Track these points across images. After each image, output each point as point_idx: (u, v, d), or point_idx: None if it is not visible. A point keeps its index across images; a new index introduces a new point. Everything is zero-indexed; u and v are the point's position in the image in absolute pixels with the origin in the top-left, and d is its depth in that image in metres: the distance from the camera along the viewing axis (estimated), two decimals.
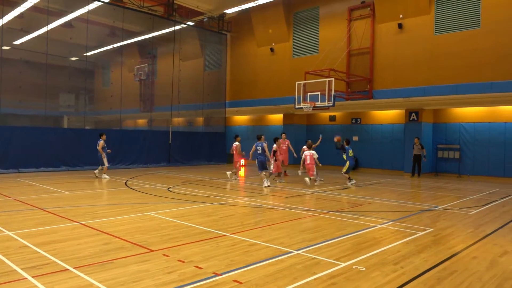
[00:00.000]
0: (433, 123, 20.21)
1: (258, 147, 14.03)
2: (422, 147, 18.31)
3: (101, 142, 15.63)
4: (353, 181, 14.78)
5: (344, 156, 14.91)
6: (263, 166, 14.04)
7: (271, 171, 15.07)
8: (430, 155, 19.84)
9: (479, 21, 16.59)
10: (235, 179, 16.32)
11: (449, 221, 8.49)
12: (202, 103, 25.58)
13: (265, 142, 14.29)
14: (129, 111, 26.22)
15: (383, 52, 19.32)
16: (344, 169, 14.75)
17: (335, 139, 15.38)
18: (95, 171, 16.15)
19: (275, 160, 15.40)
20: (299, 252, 5.88)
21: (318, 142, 16.05)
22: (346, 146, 14.96)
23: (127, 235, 6.68)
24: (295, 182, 15.68)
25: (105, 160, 15.71)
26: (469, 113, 19.08)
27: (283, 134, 17.53)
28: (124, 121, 25.75)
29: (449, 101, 17.86)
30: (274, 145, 15.24)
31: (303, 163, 14.59)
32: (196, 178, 16.48)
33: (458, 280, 4.85)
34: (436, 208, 10.07)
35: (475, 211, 9.73)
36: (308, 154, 14.34)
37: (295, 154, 17.21)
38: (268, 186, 13.67)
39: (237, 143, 16.38)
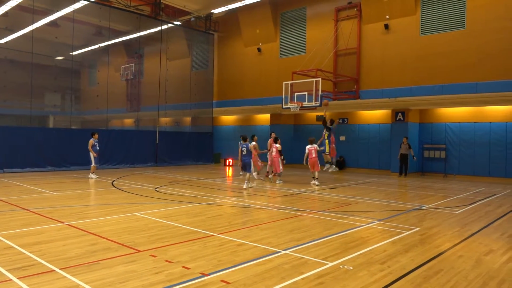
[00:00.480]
0: (419, 123, 20.44)
1: (243, 148, 13.95)
2: (410, 147, 18.45)
3: (90, 141, 15.53)
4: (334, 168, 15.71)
5: (326, 135, 15.80)
6: (245, 168, 13.84)
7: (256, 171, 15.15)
8: (416, 154, 20.04)
9: (464, 22, 16.84)
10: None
11: (435, 220, 8.60)
12: (189, 103, 25.48)
13: (251, 144, 14.18)
14: (115, 111, 25.97)
15: (369, 53, 19.48)
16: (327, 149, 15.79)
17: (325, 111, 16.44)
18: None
19: (283, 159, 15.60)
20: (287, 252, 5.89)
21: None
22: (331, 126, 15.99)
23: (114, 236, 6.62)
24: (284, 182, 15.71)
25: (92, 159, 15.57)
26: (454, 113, 19.35)
27: (272, 134, 17.21)
28: (111, 121, 25.53)
29: (435, 101, 18.09)
30: (278, 145, 15.39)
31: (307, 158, 15.03)
32: (183, 178, 16.41)
33: (444, 278, 4.92)
34: (423, 208, 10.20)
35: (460, 211, 9.88)
36: (312, 148, 14.94)
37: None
38: (250, 187, 13.58)
39: (254, 143, 15.92)
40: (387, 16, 18.70)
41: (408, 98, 18.12)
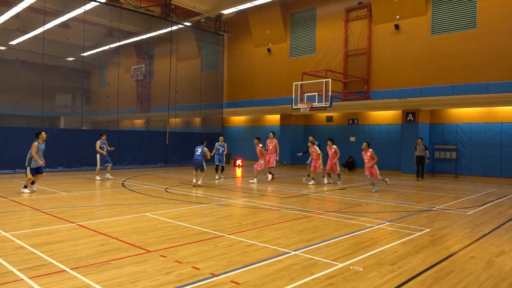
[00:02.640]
0: (430, 124, 20.27)
1: (198, 149, 14.17)
2: (426, 148, 18.05)
3: (97, 142, 15.47)
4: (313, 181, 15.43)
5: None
6: (197, 167, 14.07)
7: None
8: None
9: (475, 22, 16.67)
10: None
11: (446, 221, 8.51)
12: (199, 104, 25.56)
13: (206, 147, 14.35)
14: (126, 111, 26.21)
15: (380, 53, 19.36)
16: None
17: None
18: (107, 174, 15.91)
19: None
20: (297, 252, 5.88)
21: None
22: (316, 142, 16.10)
23: (124, 236, 6.66)
24: (292, 183, 15.68)
25: (98, 161, 15.46)
26: (465, 113, 19.15)
27: (270, 133, 16.98)
28: (121, 122, 25.73)
29: (446, 101, 17.92)
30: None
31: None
32: (193, 179, 16.43)
33: (455, 280, 4.87)
34: (433, 209, 10.10)
35: (472, 212, 9.77)
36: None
37: (277, 157, 16.27)
38: (199, 186, 13.86)
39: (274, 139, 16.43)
40: (398, 16, 18.57)
41: (418, 99, 17.97)
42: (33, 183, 11.97)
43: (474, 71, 16.43)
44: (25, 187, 11.65)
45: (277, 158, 16.37)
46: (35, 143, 11.53)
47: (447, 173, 19.52)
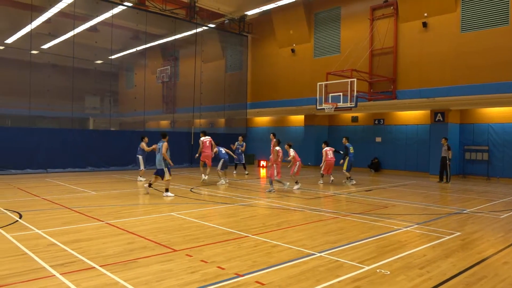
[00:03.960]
0: (460, 124, 19.70)
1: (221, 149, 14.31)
2: (449, 149, 16.76)
3: (142, 144, 14.98)
4: (353, 181, 15.42)
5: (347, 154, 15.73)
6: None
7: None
8: (457, 156, 19.33)
9: (508, 18, 16.12)
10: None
11: (478, 225, 8.25)
12: (223, 105, 25.72)
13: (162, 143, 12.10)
14: (152, 112, 26.60)
15: (407, 52, 18.99)
16: (345, 167, 15.64)
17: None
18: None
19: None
20: (322, 254, 5.82)
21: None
22: (347, 144, 15.90)
23: (151, 235, 6.76)
24: (317, 184, 15.57)
25: (141, 163, 15.14)
26: (497, 113, 18.50)
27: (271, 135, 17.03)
28: (147, 123, 26.13)
29: (477, 101, 17.35)
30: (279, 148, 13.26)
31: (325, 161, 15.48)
32: (217, 179, 16.53)
33: (488, 286, 4.71)
34: (464, 212, 9.82)
35: (505, 215, 9.44)
36: (330, 149, 15.51)
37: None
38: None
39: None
40: (425, 14, 18.17)
41: (447, 98, 17.51)
42: (150, 185, 11.95)
43: (507, 69, 15.88)
44: (167, 190, 11.49)
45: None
46: (166, 144, 11.54)
47: (478, 175, 18.92)
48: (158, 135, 12.49)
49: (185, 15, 23.69)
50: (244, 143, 19.36)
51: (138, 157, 15.22)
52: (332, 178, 16.11)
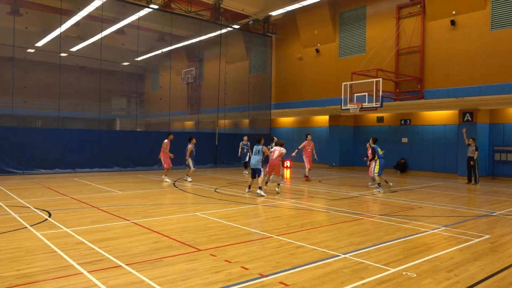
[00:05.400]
0: (490, 124, 19.15)
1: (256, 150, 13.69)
2: (476, 149, 16.11)
3: (189, 146, 15.20)
4: (381, 189, 13.25)
5: (376, 156, 13.48)
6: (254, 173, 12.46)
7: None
8: (486, 157, 18.80)
9: None
10: None
11: (508, 227, 8.00)
12: (247, 105, 25.79)
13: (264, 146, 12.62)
14: (177, 113, 26.96)
15: (434, 51, 18.59)
16: (376, 169, 13.38)
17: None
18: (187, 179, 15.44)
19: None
20: (347, 256, 5.76)
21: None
22: (374, 145, 13.64)
23: (176, 234, 6.85)
24: (341, 185, 15.41)
25: (191, 164, 15.18)
26: None
27: (308, 136, 16.93)
28: (173, 123, 26.48)
29: (507, 100, 16.81)
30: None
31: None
32: (241, 180, 16.62)
33: None
34: (494, 214, 9.54)
35: None
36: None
37: (316, 157, 16.87)
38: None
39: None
40: (454, 12, 17.75)
41: (477, 98, 17.05)
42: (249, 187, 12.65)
43: None
44: (260, 188, 11.98)
45: (316, 157, 17.11)
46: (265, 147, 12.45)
47: (508, 176, 18.35)
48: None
49: (210, 17, 23.91)
50: (249, 143, 18.92)
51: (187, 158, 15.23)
52: (390, 183, 13.98)
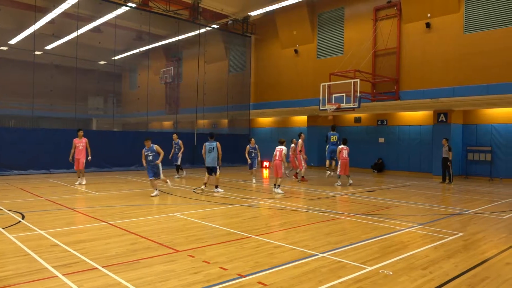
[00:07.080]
0: (463, 125, 19.65)
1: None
2: (450, 149, 16.66)
3: (247, 147, 15.65)
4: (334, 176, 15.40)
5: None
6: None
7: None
8: (460, 157, 19.29)
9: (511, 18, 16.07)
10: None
11: (481, 225, 8.23)
12: (226, 105, 25.73)
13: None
14: (155, 113, 26.65)
15: (410, 52, 18.96)
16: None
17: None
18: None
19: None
20: (324, 255, 5.82)
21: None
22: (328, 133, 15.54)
23: (153, 236, 6.77)
24: (320, 185, 15.55)
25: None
26: (501, 114, 18.45)
27: (302, 135, 17.15)
28: (151, 123, 26.18)
29: (480, 101, 17.29)
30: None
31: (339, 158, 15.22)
32: (220, 180, 16.55)
33: (490, 286, 4.70)
34: (467, 212, 9.79)
35: (508, 216, 9.41)
36: (345, 148, 15.17)
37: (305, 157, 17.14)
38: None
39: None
40: (429, 15, 18.14)
41: (451, 99, 17.46)
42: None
43: (510, 70, 15.82)
44: (217, 186, 12.64)
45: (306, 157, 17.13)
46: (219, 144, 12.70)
47: (481, 176, 18.87)
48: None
49: (188, 16, 23.75)
50: (257, 146, 16.80)
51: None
52: (350, 181, 15.33)
